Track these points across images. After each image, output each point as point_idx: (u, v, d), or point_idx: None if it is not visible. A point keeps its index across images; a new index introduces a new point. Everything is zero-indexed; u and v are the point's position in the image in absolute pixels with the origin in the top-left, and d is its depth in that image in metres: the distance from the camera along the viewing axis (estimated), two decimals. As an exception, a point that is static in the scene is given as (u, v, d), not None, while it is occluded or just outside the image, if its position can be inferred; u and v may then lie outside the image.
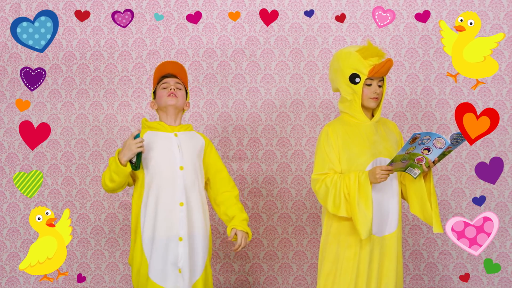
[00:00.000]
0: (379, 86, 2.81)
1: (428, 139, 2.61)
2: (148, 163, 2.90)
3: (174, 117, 2.97)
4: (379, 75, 2.77)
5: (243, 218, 2.96)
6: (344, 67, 2.79)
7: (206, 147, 3.02)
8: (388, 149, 2.83)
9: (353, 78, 2.77)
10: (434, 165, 2.72)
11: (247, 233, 2.95)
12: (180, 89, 2.97)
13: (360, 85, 2.76)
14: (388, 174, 2.71)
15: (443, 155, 2.72)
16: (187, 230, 2.87)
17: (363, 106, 2.83)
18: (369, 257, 2.78)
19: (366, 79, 2.76)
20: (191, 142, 2.98)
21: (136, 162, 2.81)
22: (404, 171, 2.75)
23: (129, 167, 2.80)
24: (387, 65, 2.74)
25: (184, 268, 2.85)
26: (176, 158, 2.90)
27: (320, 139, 2.84)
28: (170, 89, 2.93)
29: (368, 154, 2.79)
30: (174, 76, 2.98)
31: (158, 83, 2.98)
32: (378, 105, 2.85)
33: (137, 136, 2.78)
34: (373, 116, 2.88)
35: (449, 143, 2.63)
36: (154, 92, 3.00)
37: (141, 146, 2.77)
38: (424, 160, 2.67)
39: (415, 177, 2.73)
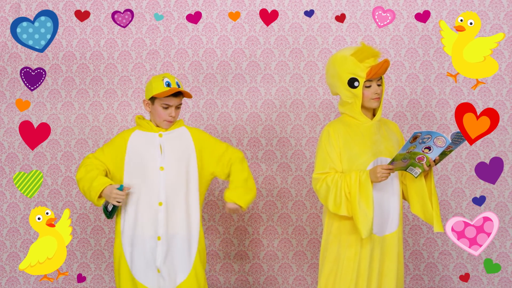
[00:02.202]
0: (378, 85, 2.80)
1: (428, 138, 2.61)
2: (128, 163, 2.94)
3: (158, 124, 3.00)
4: (377, 76, 2.76)
5: (236, 186, 2.92)
6: (341, 72, 2.78)
7: (195, 147, 2.98)
8: (389, 148, 2.83)
9: (351, 82, 2.76)
10: (435, 164, 2.72)
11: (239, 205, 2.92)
12: (179, 108, 2.97)
13: (360, 88, 2.76)
14: (389, 173, 2.71)
15: (444, 155, 2.72)
16: (166, 230, 2.88)
17: (364, 107, 2.83)
18: (370, 257, 2.78)
19: (365, 81, 2.76)
20: (177, 141, 2.97)
21: (111, 212, 2.90)
22: (405, 170, 2.75)
23: (100, 203, 2.90)
24: (384, 66, 2.73)
25: (162, 268, 2.87)
26: (156, 159, 2.91)
27: (321, 139, 2.84)
28: (171, 116, 2.92)
29: (369, 153, 2.79)
30: (179, 94, 2.94)
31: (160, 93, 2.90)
32: (379, 104, 2.85)
33: (120, 188, 2.83)
34: (374, 115, 2.87)
35: (450, 141, 2.63)
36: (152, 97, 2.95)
37: (119, 202, 2.84)
38: (425, 159, 2.67)
39: (416, 176, 2.73)
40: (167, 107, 2.93)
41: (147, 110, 3.00)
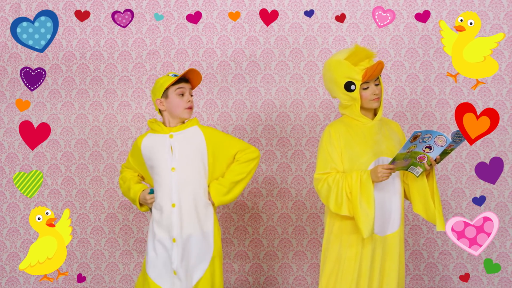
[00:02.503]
0: (377, 85, 2.80)
1: (429, 137, 2.61)
2: (148, 167, 2.98)
3: (177, 120, 2.97)
4: (372, 78, 2.76)
5: (222, 183, 2.94)
6: (337, 77, 2.78)
7: (208, 147, 2.95)
8: (390, 148, 2.83)
9: (348, 86, 2.76)
10: (437, 163, 2.72)
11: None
12: (192, 95, 2.97)
13: (357, 91, 2.75)
14: (390, 173, 2.71)
15: (445, 154, 2.71)
16: (181, 232, 2.87)
17: (364, 108, 2.83)
18: (371, 257, 2.78)
19: (362, 83, 2.76)
20: (188, 141, 2.95)
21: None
22: (407, 170, 2.75)
23: (146, 209, 3.03)
24: (379, 67, 2.73)
25: (178, 270, 2.86)
26: (167, 160, 2.91)
27: (323, 139, 2.84)
28: (189, 101, 2.92)
29: (370, 153, 2.79)
30: (188, 81, 2.96)
31: (173, 84, 2.91)
32: (379, 104, 2.84)
33: (151, 192, 2.96)
34: (375, 115, 2.87)
35: (450, 140, 2.63)
36: (164, 91, 2.92)
37: (153, 203, 2.96)
38: (426, 159, 2.67)
39: (417, 175, 2.73)
40: (182, 93, 2.91)
41: (161, 109, 2.95)
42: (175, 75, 2.94)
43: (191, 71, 2.92)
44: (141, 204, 3.01)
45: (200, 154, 2.95)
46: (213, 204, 2.96)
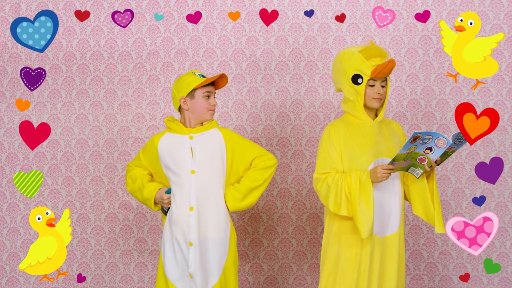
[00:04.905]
0: (382, 87, 2.80)
1: (429, 138, 2.61)
2: (165, 168, 2.94)
3: (198, 120, 2.94)
4: (381, 76, 2.76)
5: (238, 189, 2.90)
6: (347, 68, 2.78)
7: (227, 149, 2.92)
8: (390, 149, 2.83)
9: (355, 78, 2.76)
10: (437, 165, 2.71)
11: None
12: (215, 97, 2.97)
13: (363, 85, 2.75)
14: (390, 173, 2.70)
15: (446, 156, 2.71)
16: (198, 235, 2.84)
17: (366, 107, 2.83)
18: (370, 257, 2.78)
19: (369, 79, 2.76)
20: (208, 143, 2.91)
21: (167, 212, 2.95)
22: (407, 171, 2.74)
23: (158, 208, 2.97)
24: (390, 65, 2.73)
25: (195, 273, 2.83)
26: (187, 162, 2.88)
27: (323, 139, 2.84)
28: (214, 104, 2.91)
29: (370, 153, 2.79)
30: (213, 83, 2.94)
31: (202, 86, 2.88)
32: (381, 105, 2.84)
33: (168, 191, 2.90)
34: (376, 116, 2.87)
35: (451, 142, 2.63)
36: (191, 91, 2.88)
37: (169, 203, 2.90)
38: (426, 160, 2.67)
39: (417, 177, 2.73)
40: (209, 95, 2.89)
41: (184, 108, 2.90)
42: (202, 75, 2.90)
43: (221, 76, 2.91)
44: (155, 203, 2.95)
45: (220, 157, 2.91)
46: (227, 210, 2.93)
